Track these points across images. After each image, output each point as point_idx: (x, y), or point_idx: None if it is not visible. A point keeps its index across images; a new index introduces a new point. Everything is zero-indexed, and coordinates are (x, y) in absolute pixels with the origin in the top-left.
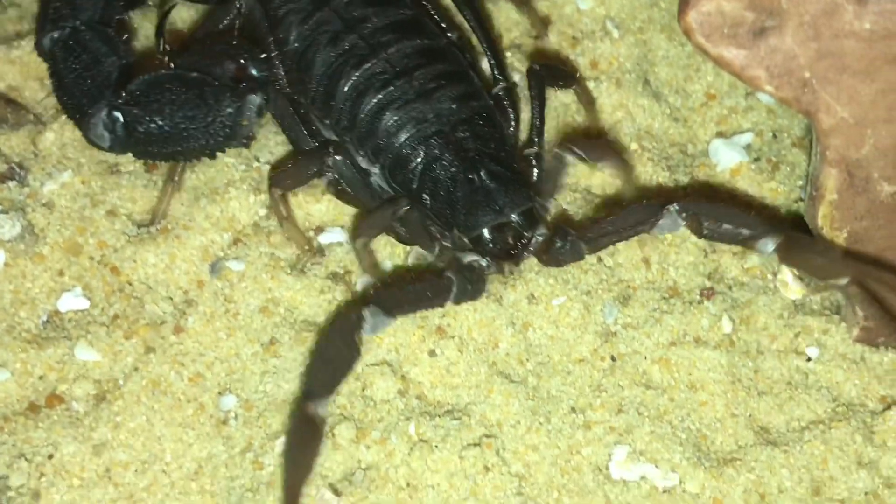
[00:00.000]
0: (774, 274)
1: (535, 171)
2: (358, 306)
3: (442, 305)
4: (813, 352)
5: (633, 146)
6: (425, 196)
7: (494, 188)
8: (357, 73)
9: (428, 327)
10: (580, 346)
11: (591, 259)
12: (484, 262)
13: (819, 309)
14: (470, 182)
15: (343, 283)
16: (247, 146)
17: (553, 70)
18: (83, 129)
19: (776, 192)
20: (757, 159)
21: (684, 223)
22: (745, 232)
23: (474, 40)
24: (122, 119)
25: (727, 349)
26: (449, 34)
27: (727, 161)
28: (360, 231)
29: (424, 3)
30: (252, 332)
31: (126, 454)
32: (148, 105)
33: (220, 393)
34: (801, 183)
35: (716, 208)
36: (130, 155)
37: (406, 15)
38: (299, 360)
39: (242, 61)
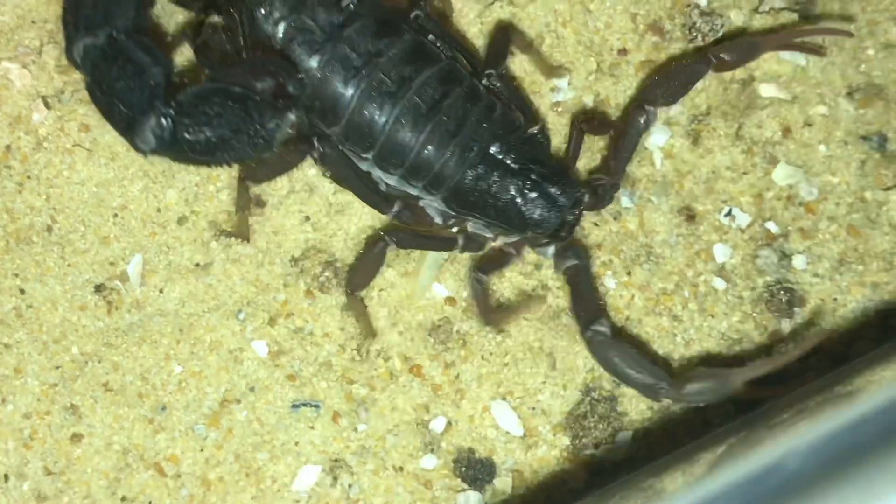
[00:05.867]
0: None
1: (545, 143)
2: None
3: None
4: None
5: None
6: (489, 210)
7: (549, 191)
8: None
9: None
10: None
11: None
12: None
13: None
14: (522, 191)
15: None
16: (274, 153)
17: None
18: (131, 135)
19: None
20: None
21: (657, 121)
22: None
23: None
24: (171, 127)
25: None
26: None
27: None
28: (351, 284)
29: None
30: None
31: None
32: (197, 116)
33: None
34: None
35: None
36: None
37: (410, 41)
38: None
39: (281, 79)
